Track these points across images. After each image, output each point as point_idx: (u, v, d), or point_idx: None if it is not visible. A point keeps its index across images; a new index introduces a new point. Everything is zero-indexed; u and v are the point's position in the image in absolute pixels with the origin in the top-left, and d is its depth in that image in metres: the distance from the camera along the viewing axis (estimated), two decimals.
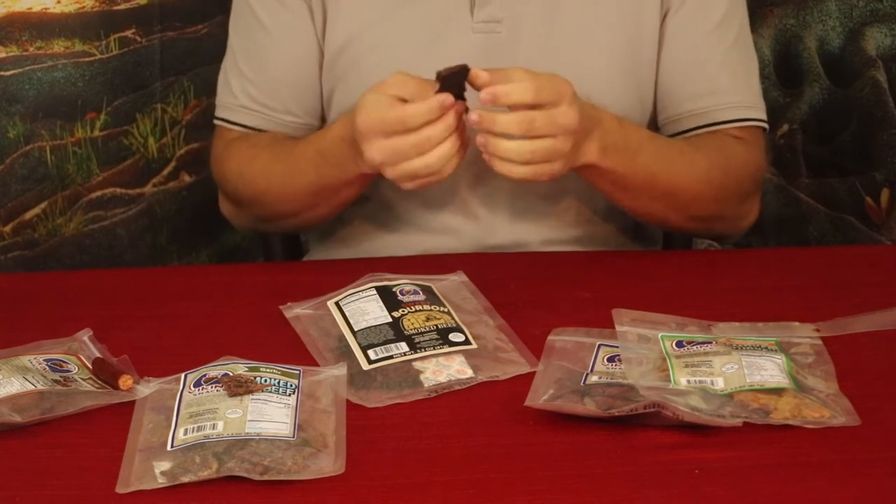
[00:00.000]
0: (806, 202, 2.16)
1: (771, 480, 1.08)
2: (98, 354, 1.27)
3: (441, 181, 1.39)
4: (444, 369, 1.24)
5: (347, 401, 1.19)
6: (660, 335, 1.25)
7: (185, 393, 1.18)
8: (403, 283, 1.35)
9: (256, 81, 1.59)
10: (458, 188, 1.56)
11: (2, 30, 1.82)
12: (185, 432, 1.12)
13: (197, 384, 1.18)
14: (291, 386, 1.19)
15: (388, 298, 1.32)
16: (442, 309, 1.32)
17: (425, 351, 1.25)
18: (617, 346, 1.23)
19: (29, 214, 1.90)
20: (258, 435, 1.11)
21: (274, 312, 1.36)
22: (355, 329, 1.29)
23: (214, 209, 1.68)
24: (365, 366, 1.24)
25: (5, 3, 1.82)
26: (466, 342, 1.27)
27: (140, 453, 1.11)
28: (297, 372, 1.21)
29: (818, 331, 1.29)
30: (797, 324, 1.30)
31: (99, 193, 1.95)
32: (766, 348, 1.23)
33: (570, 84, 1.36)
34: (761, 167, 1.61)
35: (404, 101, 1.35)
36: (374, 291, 1.34)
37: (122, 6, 1.91)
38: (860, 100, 2.03)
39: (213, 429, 1.12)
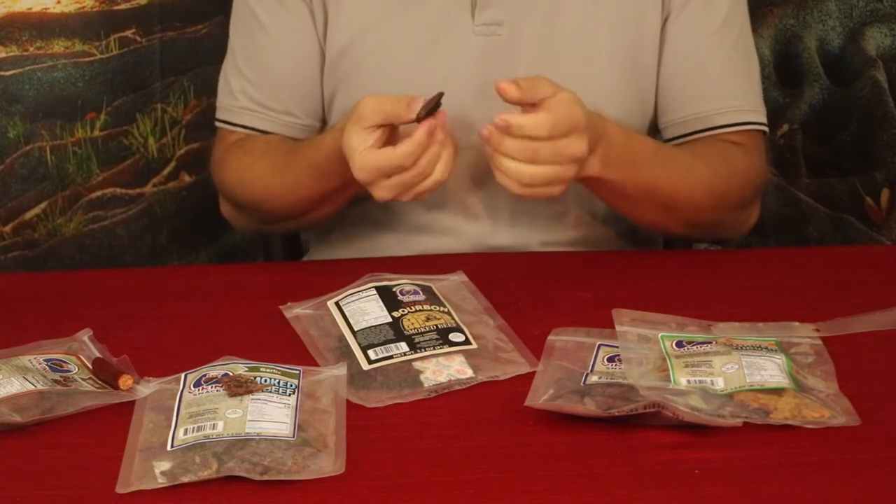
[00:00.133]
0: (806, 202, 2.16)
1: (771, 480, 1.08)
2: (98, 354, 1.27)
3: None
4: (444, 369, 1.24)
5: (347, 401, 1.19)
6: (660, 335, 1.25)
7: (185, 393, 1.18)
8: (403, 283, 1.35)
9: (257, 83, 1.59)
10: (458, 190, 1.56)
11: (2, 30, 1.82)
12: (185, 432, 1.12)
13: (197, 384, 1.18)
14: (291, 386, 1.19)
15: (388, 298, 1.32)
16: (442, 309, 1.32)
17: (425, 351, 1.25)
18: (617, 346, 1.23)
19: (29, 214, 1.90)
20: (258, 435, 1.11)
21: (274, 312, 1.36)
22: (355, 329, 1.29)
23: (214, 209, 1.68)
24: (365, 366, 1.24)
25: (5, 3, 1.82)
26: (466, 342, 1.27)
27: (140, 453, 1.11)
28: (297, 372, 1.21)
29: (818, 331, 1.29)
30: (797, 324, 1.30)
31: (99, 193, 1.95)
32: (766, 348, 1.23)
33: (582, 112, 1.35)
34: (763, 172, 1.61)
35: (384, 126, 1.36)
36: (374, 291, 1.34)
37: (122, 6, 1.91)
38: (860, 100, 2.03)
39: (213, 429, 1.12)
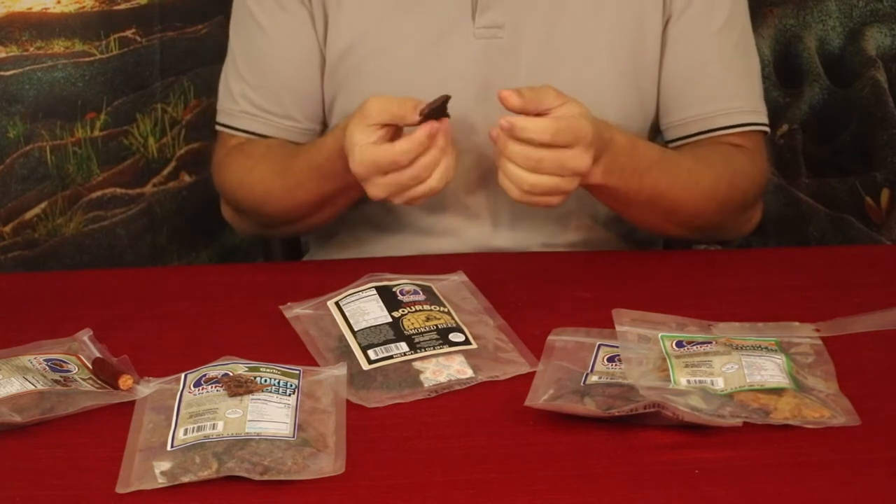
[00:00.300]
0: (806, 202, 2.16)
1: (771, 480, 1.08)
2: (98, 354, 1.27)
3: None
4: (444, 369, 1.24)
5: (347, 401, 1.19)
6: (660, 335, 1.25)
7: (185, 393, 1.18)
8: (403, 283, 1.35)
9: (257, 86, 1.59)
10: (459, 192, 1.56)
11: (2, 30, 1.82)
12: (185, 432, 1.12)
13: (197, 384, 1.18)
14: (291, 386, 1.19)
15: (388, 298, 1.32)
16: (442, 309, 1.32)
17: (425, 351, 1.25)
18: (617, 346, 1.23)
19: (29, 214, 1.90)
20: (258, 435, 1.11)
21: (274, 312, 1.36)
22: (355, 329, 1.29)
23: (214, 209, 1.68)
24: (365, 366, 1.24)
25: (5, 3, 1.82)
26: (466, 342, 1.27)
27: (140, 453, 1.11)
28: (297, 372, 1.21)
29: (818, 331, 1.29)
30: (797, 324, 1.30)
31: (99, 193, 1.95)
32: (766, 348, 1.23)
33: (590, 126, 1.35)
34: (764, 173, 1.61)
35: (389, 126, 1.36)
36: (374, 291, 1.34)
37: (122, 6, 1.91)
38: (860, 100, 2.03)
39: (213, 429, 1.12)
